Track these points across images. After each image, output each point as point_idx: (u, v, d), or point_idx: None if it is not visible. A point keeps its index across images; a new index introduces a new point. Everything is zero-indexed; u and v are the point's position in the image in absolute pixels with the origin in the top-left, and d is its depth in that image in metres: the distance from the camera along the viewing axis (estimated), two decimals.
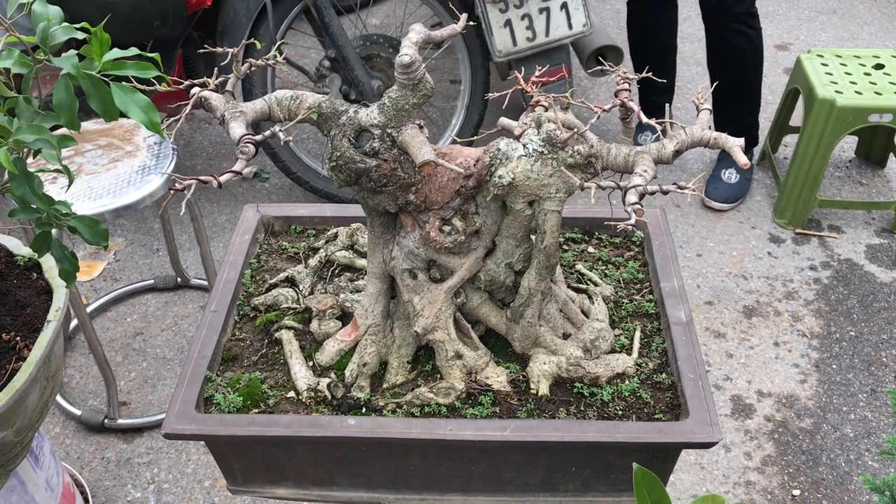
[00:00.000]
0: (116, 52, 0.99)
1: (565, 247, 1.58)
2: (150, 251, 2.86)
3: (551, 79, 1.54)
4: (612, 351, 1.36)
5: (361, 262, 1.52)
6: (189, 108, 1.15)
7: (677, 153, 1.23)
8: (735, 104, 2.88)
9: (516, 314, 1.30)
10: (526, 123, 1.24)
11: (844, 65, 2.79)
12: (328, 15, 2.62)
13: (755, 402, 2.26)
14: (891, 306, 2.52)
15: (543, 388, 1.29)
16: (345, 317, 1.42)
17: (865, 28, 4.09)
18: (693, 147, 1.26)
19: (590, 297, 1.45)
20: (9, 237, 1.69)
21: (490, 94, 1.36)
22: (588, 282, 1.49)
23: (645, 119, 1.18)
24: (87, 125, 2.18)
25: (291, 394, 1.30)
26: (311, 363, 1.35)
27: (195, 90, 1.19)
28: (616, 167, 1.22)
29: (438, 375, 1.32)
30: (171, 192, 1.04)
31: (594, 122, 1.16)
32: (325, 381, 1.30)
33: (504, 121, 1.31)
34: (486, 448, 1.22)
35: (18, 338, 1.48)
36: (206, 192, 3.10)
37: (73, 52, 1.01)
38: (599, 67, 1.36)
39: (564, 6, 2.53)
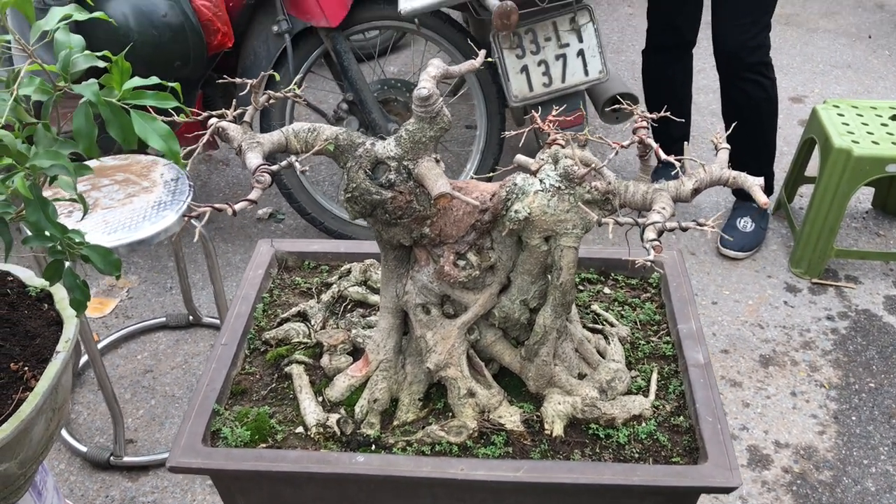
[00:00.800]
0: (137, 81, 0.99)
1: (581, 287, 1.57)
2: (163, 289, 2.86)
3: (568, 118, 1.53)
4: (629, 392, 1.33)
5: (374, 298, 1.51)
6: (207, 136, 1.16)
7: (696, 191, 1.22)
8: (750, 154, 2.88)
9: (531, 352, 1.28)
10: (543, 159, 1.24)
11: (861, 115, 2.79)
12: (347, 59, 2.65)
13: (772, 452, 2.20)
14: None
15: (558, 429, 1.26)
16: (356, 352, 1.40)
17: (881, 82, 4.10)
18: (712, 185, 1.25)
19: (606, 338, 1.42)
20: (22, 268, 1.69)
21: (506, 133, 1.36)
22: (604, 322, 1.47)
23: (664, 156, 1.18)
24: (105, 161, 2.19)
25: (300, 429, 1.28)
26: (320, 398, 1.33)
27: (213, 120, 1.19)
28: (634, 205, 1.21)
29: (450, 414, 1.30)
30: (186, 219, 1.04)
31: (611, 159, 1.16)
32: (334, 417, 1.27)
33: (520, 158, 1.31)
34: (499, 489, 1.19)
35: (27, 368, 1.46)
36: (220, 231, 3.11)
37: (93, 80, 1.02)
38: (616, 106, 1.36)
39: (581, 53, 2.55)
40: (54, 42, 1.04)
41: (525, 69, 2.54)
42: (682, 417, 1.29)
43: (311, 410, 1.29)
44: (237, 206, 1.06)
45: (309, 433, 1.27)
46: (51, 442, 1.52)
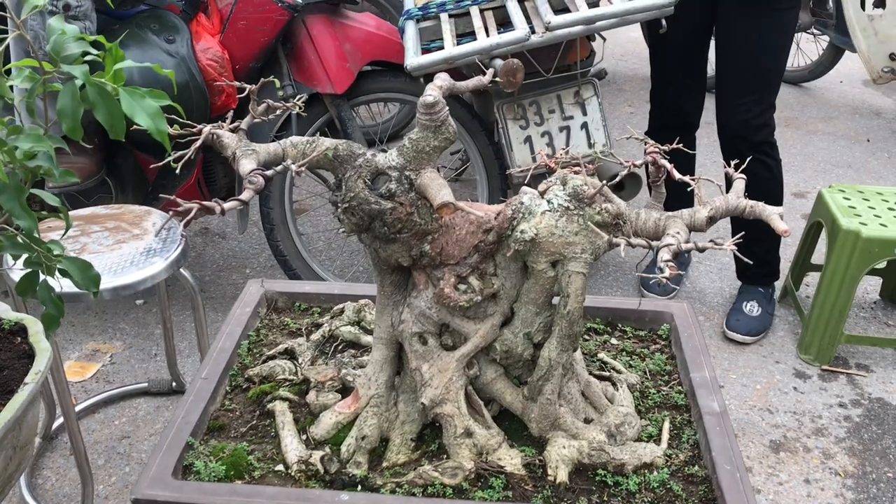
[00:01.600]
0: (129, 63, 0.95)
1: (586, 336, 1.48)
2: (147, 356, 2.75)
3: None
4: (639, 440, 1.23)
5: (367, 339, 1.42)
6: (199, 143, 1.10)
7: (712, 220, 1.16)
8: (755, 237, 2.83)
9: (534, 390, 1.19)
10: (551, 181, 1.18)
11: (867, 199, 2.76)
12: (351, 126, 2.65)
13: None
14: None
15: (562, 475, 1.15)
16: (345, 391, 1.30)
17: (881, 182, 4.11)
18: (728, 215, 1.19)
19: (614, 385, 1.33)
20: None
21: (511, 170, 1.30)
22: (611, 370, 1.37)
23: (678, 175, 1.12)
24: (96, 209, 2.14)
25: (280, 467, 1.17)
26: (304, 436, 1.22)
27: (207, 128, 1.14)
28: (646, 232, 1.15)
29: (445, 455, 1.19)
30: (171, 212, 0.97)
31: (623, 175, 1.10)
32: (318, 455, 1.16)
33: (526, 189, 1.25)
34: None
35: None
36: (210, 300, 3.02)
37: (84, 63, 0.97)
38: (630, 137, 1.32)
39: (585, 126, 2.54)
40: (47, 28, 1.00)
41: (528, 140, 2.52)
42: (696, 467, 1.18)
43: (293, 447, 1.18)
44: (226, 206, 0.99)
45: (290, 471, 1.16)
46: (9, 485, 1.39)
